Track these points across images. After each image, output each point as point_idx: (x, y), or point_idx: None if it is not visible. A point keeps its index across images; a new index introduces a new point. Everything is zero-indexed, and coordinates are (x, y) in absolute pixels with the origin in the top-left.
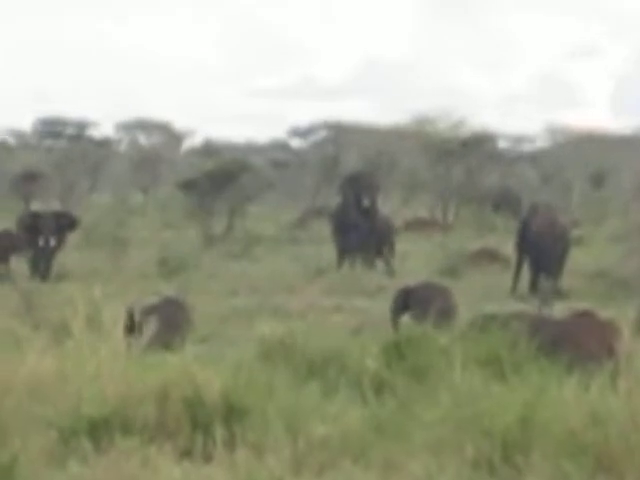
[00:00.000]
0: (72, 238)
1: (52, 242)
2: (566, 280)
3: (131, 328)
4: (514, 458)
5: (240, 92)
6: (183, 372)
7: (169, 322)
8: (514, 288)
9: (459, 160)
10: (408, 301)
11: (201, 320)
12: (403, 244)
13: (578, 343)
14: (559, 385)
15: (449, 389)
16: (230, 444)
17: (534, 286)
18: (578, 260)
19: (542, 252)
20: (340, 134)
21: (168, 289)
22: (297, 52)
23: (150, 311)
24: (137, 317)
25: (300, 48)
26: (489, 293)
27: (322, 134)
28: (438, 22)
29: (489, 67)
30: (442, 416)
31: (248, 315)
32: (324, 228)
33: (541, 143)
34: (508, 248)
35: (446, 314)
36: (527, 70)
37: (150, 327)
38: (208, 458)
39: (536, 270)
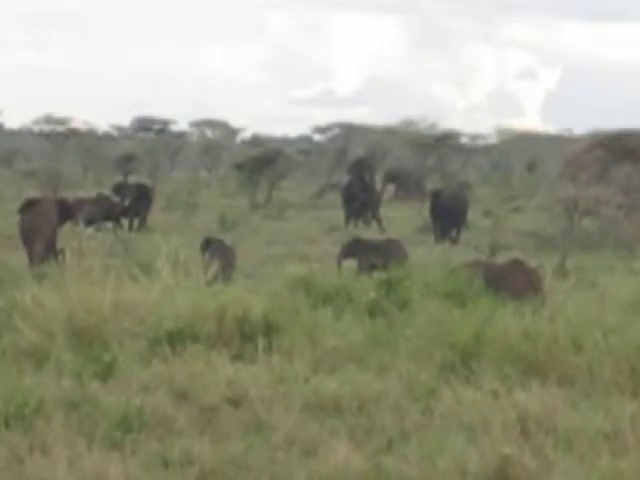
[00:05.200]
0: (157, 203)
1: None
2: (507, 237)
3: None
4: (470, 363)
5: (279, 101)
6: (235, 298)
7: (227, 260)
8: (436, 240)
9: (432, 151)
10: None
11: (247, 262)
12: (393, 211)
13: (513, 282)
14: (501, 312)
15: (424, 313)
16: (268, 351)
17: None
18: (516, 223)
19: (450, 213)
20: (349, 132)
21: (225, 239)
22: (320, 72)
23: (213, 249)
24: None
25: (322, 69)
26: (457, 246)
27: (336, 131)
28: (421, 50)
29: (457, 85)
30: (418, 332)
31: (281, 259)
32: (336, 198)
33: (491, 140)
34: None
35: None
36: (483, 88)
37: (213, 264)
38: (253, 361)
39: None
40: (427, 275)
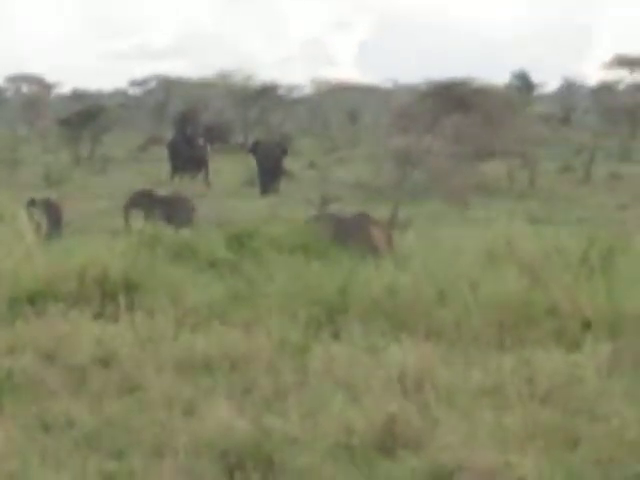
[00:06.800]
0: None
1: None
2: (334, 189)
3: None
4: (335, 319)
5: (93, 54)
6: (94, 256)
7: (54, 217)
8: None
9: (254, 104)
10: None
11: (74, 217)
12: (219, 163)
13: (364, 236)
14: (362, 266)
15: (280, 269)
16: (130, 309)
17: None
18: (341, 175)
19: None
20: (166, 85)
21: (50, 195)
22: (133, 26)
23: (40, 208)
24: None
25: (135, 23)
26: (284, 198)
27: (152, 85)
28: (233, 3)
29: (269, 37)
30: (279, 289)
31: (109, 214)
32: (160, 152)
33: (307, 92)
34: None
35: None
36: (296, 39)
37: (43, 221)
38: (115, 319)
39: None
40: (274, 229)
